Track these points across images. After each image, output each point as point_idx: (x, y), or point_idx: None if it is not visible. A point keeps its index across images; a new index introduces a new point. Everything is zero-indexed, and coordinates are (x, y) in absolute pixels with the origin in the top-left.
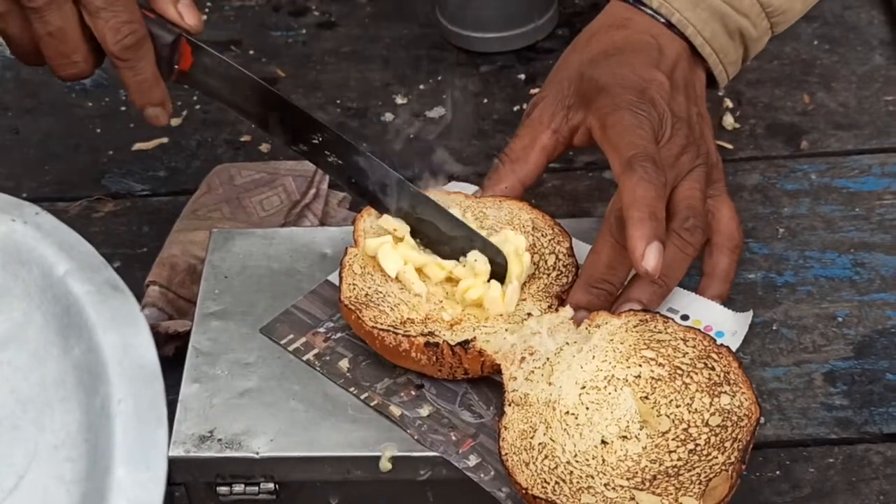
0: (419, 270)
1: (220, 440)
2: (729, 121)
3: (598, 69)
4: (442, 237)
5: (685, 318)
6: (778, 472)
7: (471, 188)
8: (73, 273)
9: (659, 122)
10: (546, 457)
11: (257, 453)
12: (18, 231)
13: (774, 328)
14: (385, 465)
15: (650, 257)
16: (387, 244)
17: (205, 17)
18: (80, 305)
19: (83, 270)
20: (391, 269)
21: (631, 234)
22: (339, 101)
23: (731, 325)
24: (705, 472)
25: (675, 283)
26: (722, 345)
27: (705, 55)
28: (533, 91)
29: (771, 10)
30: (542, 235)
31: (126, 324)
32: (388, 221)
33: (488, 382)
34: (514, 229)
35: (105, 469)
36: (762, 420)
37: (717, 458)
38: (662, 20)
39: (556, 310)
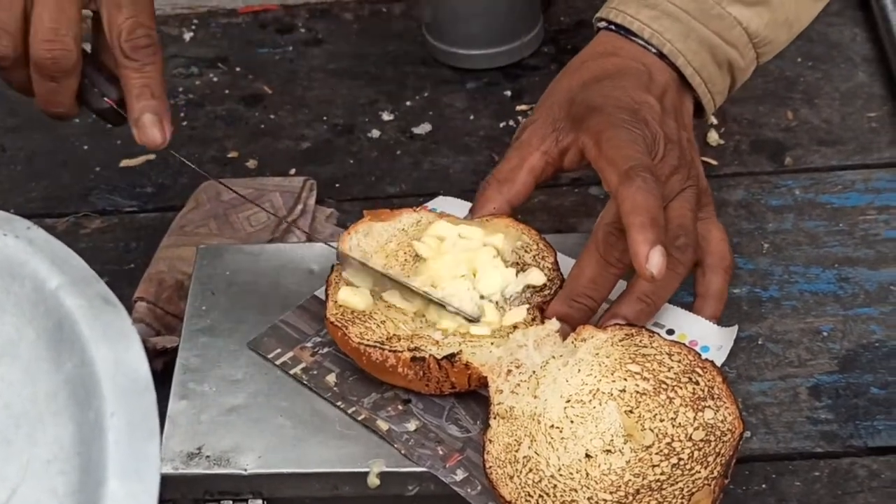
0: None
1: (208, 457)
2: (713, 137)
3: (589, 92)
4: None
5: (671, 332)
6: (764, 486)
7: (460, 203)
8: (65, 287)
9: (652, 142)
10: (530, 470)
11: (245, 470)
12: (10, 245)
13: (760, 342)
14: (373, 481)
15: (654, 260)
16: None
17: (192, 33)
18: (73, 319)
19: (75, 284)
20: (360, 305)
21: (634, 239)
22: (325, 118)
23: (716, 340)
24: (688, 486)
25: (664, 301)
26: (707, 359)
27: (695, 85)
28: (519, 108)
29: (758, 40)
30: (528, 250)
31: (118, 338)
32: (351, 295)
33: (475, 397)
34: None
35: (98, 482)
36: (748, 434)
37: (699, 472)
38: (654, 50)
39: (542, 322)
